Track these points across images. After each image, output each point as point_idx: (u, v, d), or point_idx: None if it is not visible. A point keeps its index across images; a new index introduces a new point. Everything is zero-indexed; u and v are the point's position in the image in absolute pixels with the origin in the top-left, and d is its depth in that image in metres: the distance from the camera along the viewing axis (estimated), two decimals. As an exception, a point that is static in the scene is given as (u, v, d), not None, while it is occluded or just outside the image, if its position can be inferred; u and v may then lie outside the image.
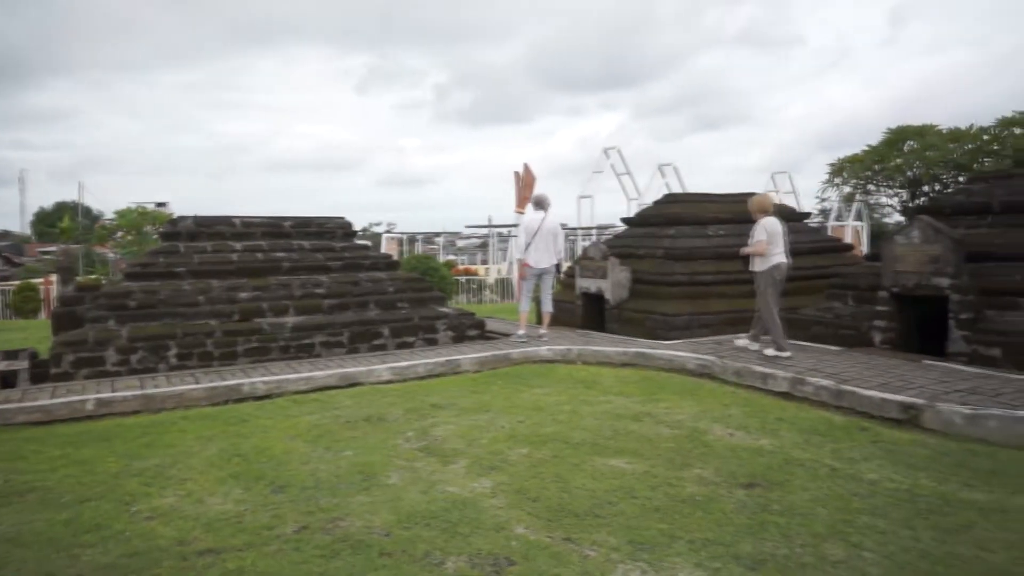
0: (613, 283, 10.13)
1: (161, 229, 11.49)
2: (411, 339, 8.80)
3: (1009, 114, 29.47)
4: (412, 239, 41.91)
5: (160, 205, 38.16)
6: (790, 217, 12.18)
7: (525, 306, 9.05)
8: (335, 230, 9.93)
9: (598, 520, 3.57)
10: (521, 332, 8.89)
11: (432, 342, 8.90)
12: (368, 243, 18.52)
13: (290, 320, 8.32)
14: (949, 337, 6.97)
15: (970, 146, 28.89)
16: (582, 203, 35.50)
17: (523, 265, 8.71)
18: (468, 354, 7.87)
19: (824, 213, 34.26)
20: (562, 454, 4.64)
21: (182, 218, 9.65)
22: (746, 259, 7.75)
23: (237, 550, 3.31)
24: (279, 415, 5.86)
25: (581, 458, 4.54)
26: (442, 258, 33.47)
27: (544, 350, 8.19)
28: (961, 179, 24.56)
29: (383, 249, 30.14)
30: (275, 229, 9.47)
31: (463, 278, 20.96)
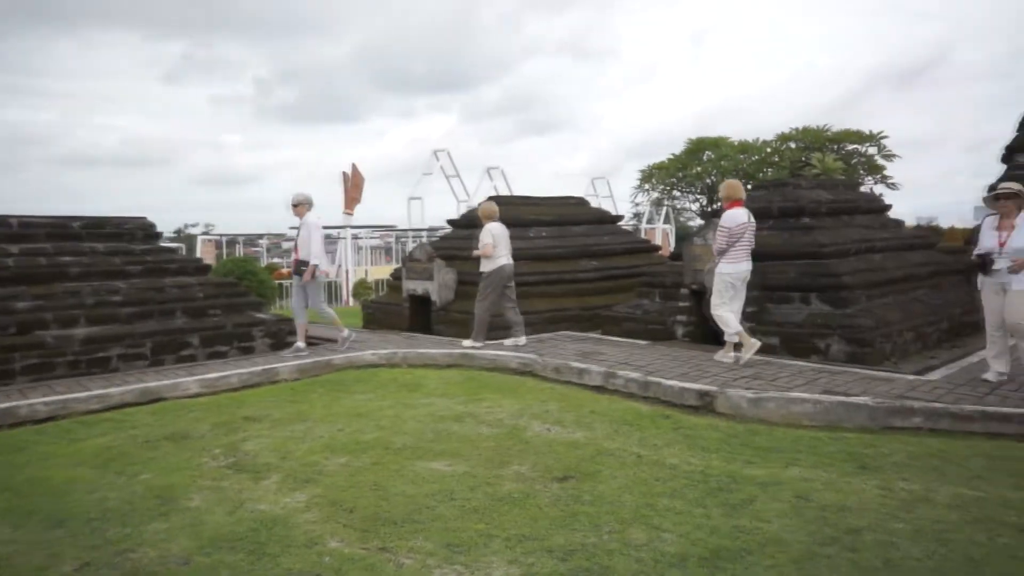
0: (439, 284, 10.16)
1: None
2: (224, 348, 8.25)
3: (786, 130, 33.46)
4: (232, 241, 39.42)
5: (-80, 203, 32.95)
6: (605, 220, 12.93)
7: (330, 310, 8.64)
8: (135, 231, 9.07)
9: (416, 526, 3.54)
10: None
11: (248, 351, 8.40)
12: (175, 246, 17.12)
13: (80, 332, 7.47)
14: (740, 329, 7.72)
15: (756, 157, 32.47)
16: (412, 205, 35.30)
17: (318, 270, 8.15)
18: (287, 362, 7.51)
19: (637, 216, 36.74)
20: (382, 461, 4.56)
21: (-59, 218, 8.35)
22: (477, 260, 8.48)
23: (0, 599, 2.90)
24: (63, 439, 5.23)
25: (401, 463, 4.49)
26: (265, 261, 31.77)
27: (368, 354, 8.03)
28: (748, 187, 27.55)
29: (199, 252, 28.06)
30: (61, 230, 8.46)
31: (287, 282, 19.99)
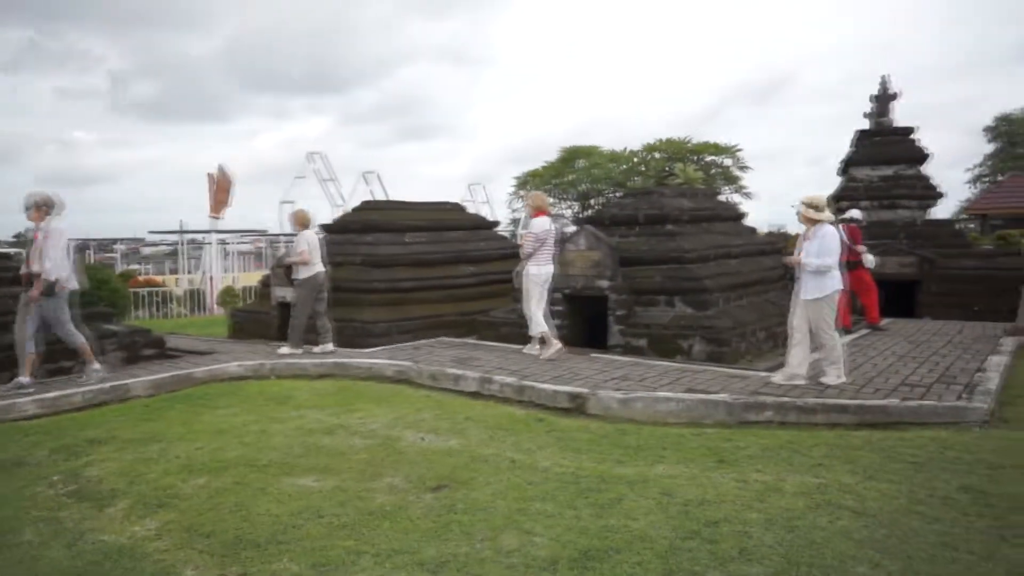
0: (311, 292, 9.80)
1: None
2: (68, 364, 7.55)
3: (652, 141, 35.22)
4: (83, 247, 36.28)
5: None
6: (481, 226, 13.01)
7: (79, 335, 6.83)
8: (-41, 237, 8.12)
9: (280, 547, 3.37)
10: (98, 366, 6.87)
11: (97, 366, 7.73)
12: (15, 251, 15.51)
13: None
14: (609, 331, 8.00)
15: (625, 166, 33.98)
16: (284, 208, 33.97)
17: (60, 286, 6.55)
18: (141, 377, 6.99)
19: (515, 222, 37.32)
20: (246, 479, 4.32)
21: None
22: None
23: None
24: None
25: (267, 481, 4.28)
26: (121, 268, 29.53)
27: (233, 366, 7.63)
28: (618, 194, 28.75)
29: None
30: None
31: (144, 291, 18.66)
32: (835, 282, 6.08)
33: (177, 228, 34.84)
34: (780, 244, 11.90)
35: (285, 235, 31.65)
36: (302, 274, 8.32)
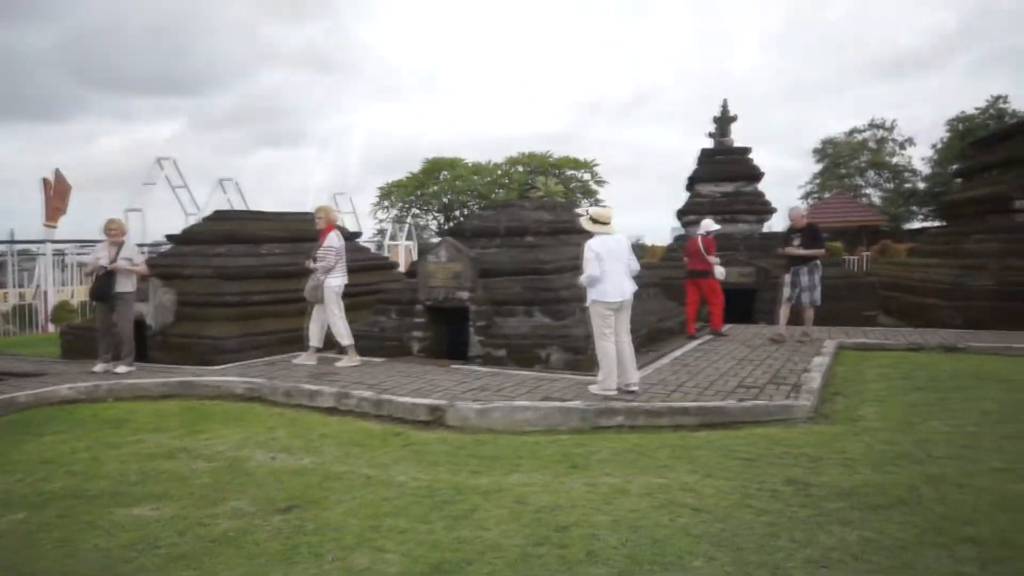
0: (156, 306, 9.19)
1: None
2: None
3: (515, 154, 36.08)
4: None
5: None
6: (344, 237, 12.71)
7: None
8: None
9: (108, 584, 3.12)
10: None
11: None
12: None
13: None
14: (469, 342, 8.07)
15: (488, 179, 34.54)
16: (131, 217, 31.52)
17: None
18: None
19: (381, 233, 36.85)
20: (72, 512, 3.97)
21: None
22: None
23: None
24: None
25: (97, 513, 3.95)
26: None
27: (64, 388, 6.99)
28: (480, 206, 29.18)
29: None
30: None
31: (-42, 306, 16.65)
32: (591, 293, 6.23)
33: (5, 237, 31.37)
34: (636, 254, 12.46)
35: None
36: (129, 287, 7.99)
